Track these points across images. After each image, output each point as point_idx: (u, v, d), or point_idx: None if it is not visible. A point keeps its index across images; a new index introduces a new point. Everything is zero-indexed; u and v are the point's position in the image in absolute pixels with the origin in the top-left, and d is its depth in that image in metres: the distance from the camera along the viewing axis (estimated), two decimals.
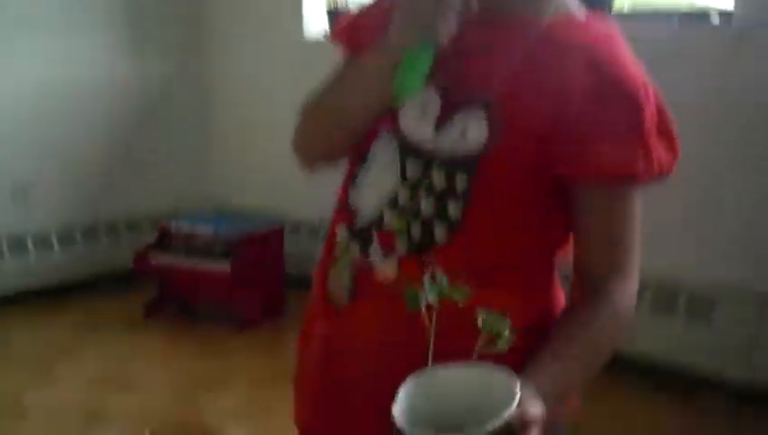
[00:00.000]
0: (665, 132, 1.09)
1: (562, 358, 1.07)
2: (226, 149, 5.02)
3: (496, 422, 0.86)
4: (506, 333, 0.94)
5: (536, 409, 0.92)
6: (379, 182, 1.16)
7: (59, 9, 4.39)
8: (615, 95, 1.07)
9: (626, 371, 3.40)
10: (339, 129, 1.20)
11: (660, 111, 1.09)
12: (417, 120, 1.13)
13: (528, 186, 1.10)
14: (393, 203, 1.14)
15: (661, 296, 3.36)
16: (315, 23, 4.48)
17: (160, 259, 4.11)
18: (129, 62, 4.71)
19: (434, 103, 1.13)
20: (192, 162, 5.02)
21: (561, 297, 1.21)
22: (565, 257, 1.19)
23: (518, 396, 0.89)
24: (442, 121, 1.12)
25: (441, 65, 1.11)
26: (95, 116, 4.60)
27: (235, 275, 3.90)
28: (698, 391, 3.28)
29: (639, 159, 1.06)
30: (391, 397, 0.91)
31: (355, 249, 1.16)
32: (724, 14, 3.07)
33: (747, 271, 3.18)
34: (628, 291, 1.12)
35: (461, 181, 1.10)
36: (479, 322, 0.94)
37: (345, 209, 1.19)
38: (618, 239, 1.12)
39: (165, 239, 4.18)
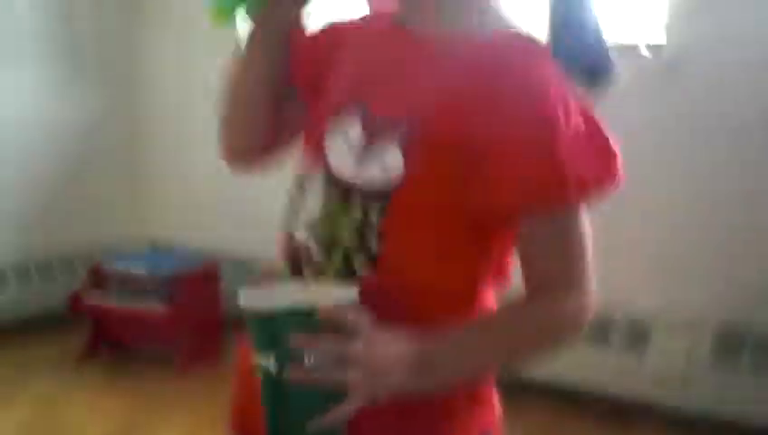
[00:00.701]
0: (595, 147, 1.04)
1: (462, 330, 1.07)
2: (160, 186, 4.96)
3: (299, 303, 0.95)
4: None
5: (365, 320, 0.97)
6: (308, 210, 1.16)
7: None
8: (526, 117, 1.02)
9: (562, 400, 3.43)
10: (244, 107, 1.26)
11: (589, 126, 1.05)
12: (341, 150, 1.12)
13: (445, 218, 1.07)
14: (316, 233, 1.14)
15: (595, 326, 3.37)
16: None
17: (94, 300, 4.02)
18: (59, 98, 4.64)
19: (355, 129, 1.11)
20: (125, 200, 4.95)
21: None
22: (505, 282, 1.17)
23: (347, 296, 0.99)
24: (363, 151, 1.10)
25: (362, 80, 1.14)
26: (24, 153, 4.50)
27: (171, 317, 3.83)
28: (633, 419, 3.30)
29: (552, 183, 1.02)
30: None
31: (287, 274, 1.16)
32: (653, 47, 3.12)
33: (680, 299, 3.22)
34: (573, 299, 1.07)
35: (375, 215, 1.08)
36: None
37: (284, 235, 1.20)
38: (558, 258, 1.07)
39: (98, 279, 4.10)
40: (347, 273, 1.10)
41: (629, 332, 3.35)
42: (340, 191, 1.12)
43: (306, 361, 0.94)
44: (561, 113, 1.02)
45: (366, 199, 1.09)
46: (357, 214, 1.09)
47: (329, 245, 1.12)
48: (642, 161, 3.03)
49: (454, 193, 1.05)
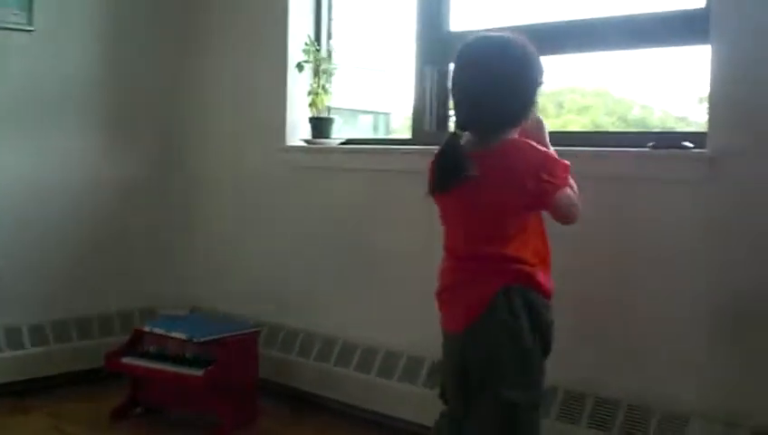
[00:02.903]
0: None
1: None
2: (204, 251, 5.03)
3: None
4: None
5: None
6: None
7: (38, 107, 4.48)
8: None
9: None
10: None
11: None
12: None
13: None
14: None
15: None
16: (298, 130, 4.55)
17: (132, 361, 4.06)
18: (106, 159, 4.77)
19: None
20: (168, 263, 5.02)
21: None
22: None
23: None
24: None
25: None
26: (69, 212, 4.62)
27: (208, 382, 3.82)
28: None
29: None
30: None
31: None
32: (697, 135, 3.09)
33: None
34: None
35: None
36: None
37: None
38: None
39: (138, 341, 4.14)
40: None
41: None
42: None
43: None
44: None
45: None
46: None
47: None
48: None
49: None
